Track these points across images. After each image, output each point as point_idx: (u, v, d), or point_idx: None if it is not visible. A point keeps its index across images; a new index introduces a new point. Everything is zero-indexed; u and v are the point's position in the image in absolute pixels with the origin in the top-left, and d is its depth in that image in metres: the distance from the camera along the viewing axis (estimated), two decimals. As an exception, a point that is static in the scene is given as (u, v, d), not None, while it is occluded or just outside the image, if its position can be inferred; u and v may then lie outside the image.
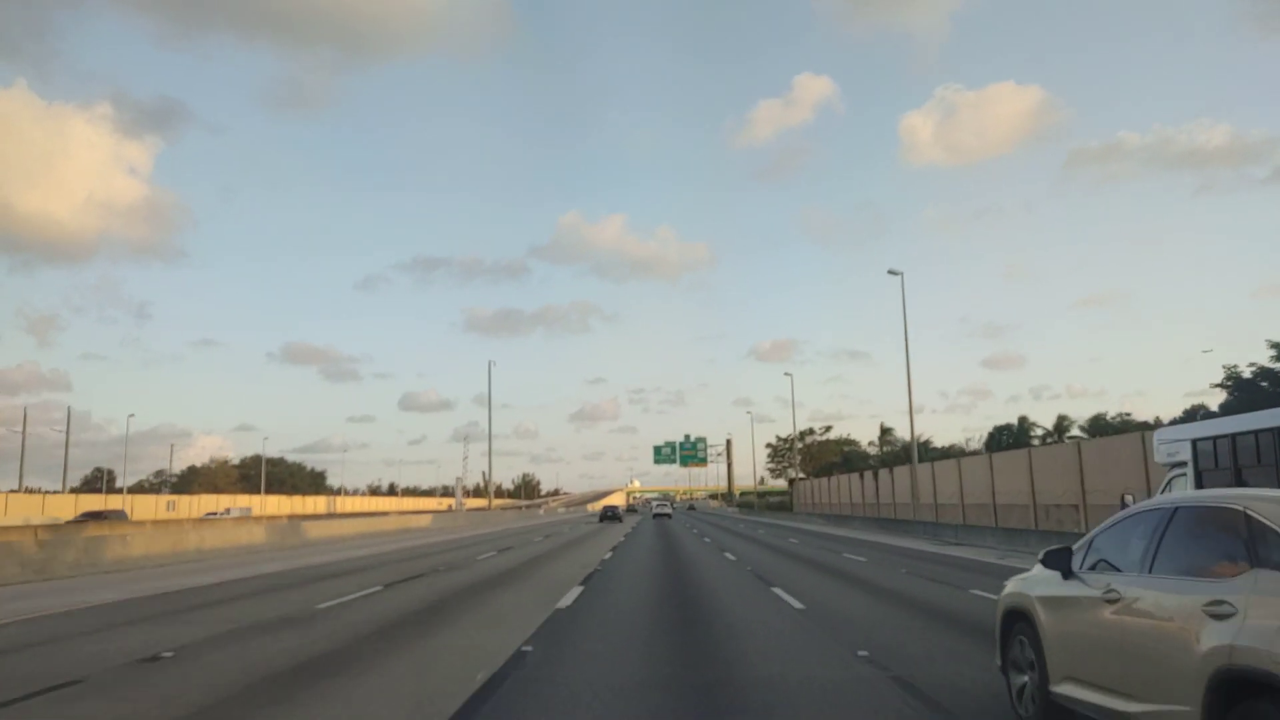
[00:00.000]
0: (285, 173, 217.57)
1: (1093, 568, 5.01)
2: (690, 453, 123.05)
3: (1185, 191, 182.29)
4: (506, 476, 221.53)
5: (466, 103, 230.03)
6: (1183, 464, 11.40)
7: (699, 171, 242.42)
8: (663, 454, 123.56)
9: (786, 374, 66.97)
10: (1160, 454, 12.19)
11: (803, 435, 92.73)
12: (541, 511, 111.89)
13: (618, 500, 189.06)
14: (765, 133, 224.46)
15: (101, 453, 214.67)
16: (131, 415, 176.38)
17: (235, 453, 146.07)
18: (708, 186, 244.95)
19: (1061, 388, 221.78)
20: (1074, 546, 5.36)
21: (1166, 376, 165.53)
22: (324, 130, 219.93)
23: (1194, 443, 11.11)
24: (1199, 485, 10.74)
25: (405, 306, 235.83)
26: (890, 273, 41.22)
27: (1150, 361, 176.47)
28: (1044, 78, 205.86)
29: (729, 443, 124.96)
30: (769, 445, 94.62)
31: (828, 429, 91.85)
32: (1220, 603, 3.63)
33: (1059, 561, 5.26)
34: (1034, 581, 5.66)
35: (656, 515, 77.28)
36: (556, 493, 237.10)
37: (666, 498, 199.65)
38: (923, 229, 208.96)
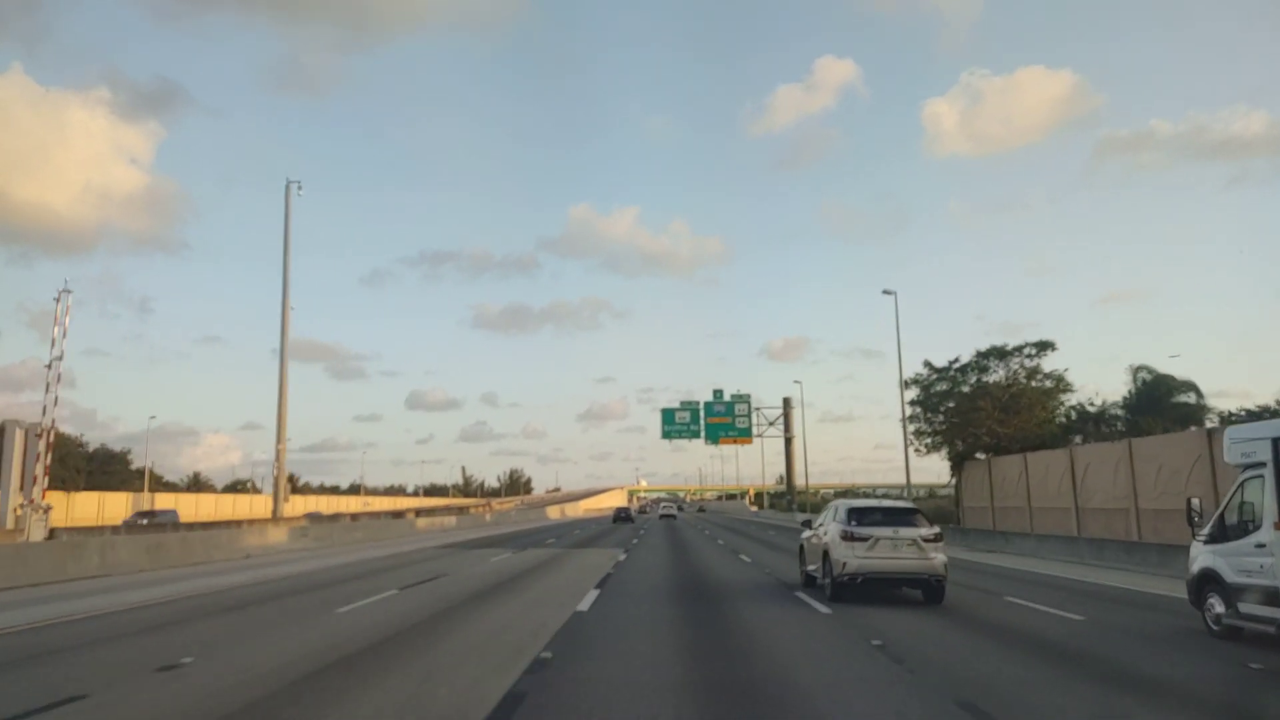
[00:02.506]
0: (287, 160, 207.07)
1: (818, 525, 15.96)
2: (723, 419, 73.50)
3: (1217, 183, 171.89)
4: (493, 474, 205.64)
5: (475, 88, 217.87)
6: (1260, 465, 9.94)
7: (715, 162, 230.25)
8: (677, 424, 74.06)
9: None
10: (1232, 454, 10.60)
11: (985, 358, 42.97)
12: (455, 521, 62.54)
13: (615, 500, 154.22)
14: (784, 120, 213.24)
15: (106, 452, 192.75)
16: (153, 417, 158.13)
17: (243, 454, 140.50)
18: (723, 178, 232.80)
19: (1076, 389, 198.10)
20: (814, 518, 17.49)
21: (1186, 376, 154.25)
22: (327, 116, 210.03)
23: (1275, 441, 9.71)
24: None
25: (413, 302, 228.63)
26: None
27: (1171, 361, 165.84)
28: (1076, 61, 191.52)
29: (788, 402, 75.42)
30: (914, 382, 44.75)
31: (1042, 348, 42.00)
32: (827, 530, 14.79)
33: (806, 525, 17.76)
34: (805, 534, 17.04)
35: (663, 516, 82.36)
36: (558, 490, 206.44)
37: (674, 498, 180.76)
38: (944, 222, 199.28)
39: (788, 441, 74.98)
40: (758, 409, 74.76)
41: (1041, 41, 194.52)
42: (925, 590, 13.81)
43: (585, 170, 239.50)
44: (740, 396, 74.49)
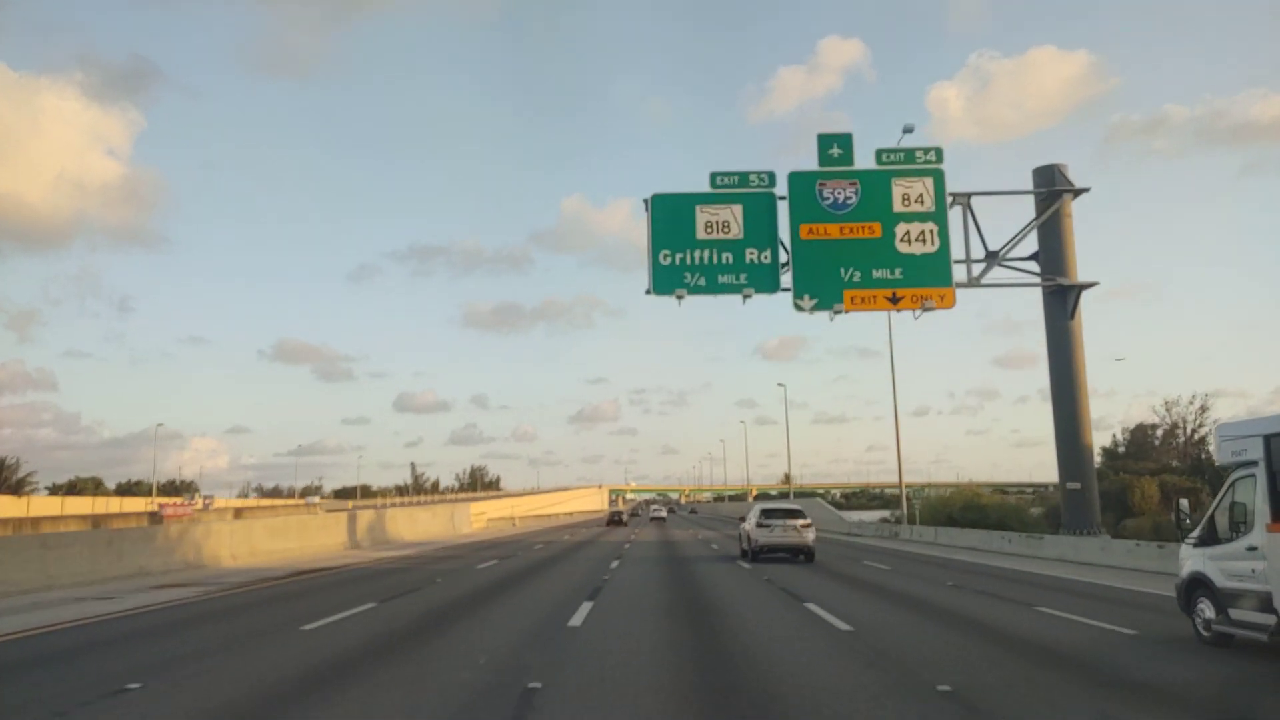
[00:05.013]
0: (269, 146, 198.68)
1: (747, 518, 24.80)
2: (852, 229, 21.19)
3: (1230, 171, 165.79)
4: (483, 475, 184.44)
5: (463, 72, 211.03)
6: (1251, 464, 9.28)
7: (714, 148, 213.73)
8: (704, 244, 21.95)
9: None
10: (1223, 452, 10.04)
11: None
12: None
13: (578, 504, 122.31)
14: (786, 103, 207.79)
15: (93, 456, 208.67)
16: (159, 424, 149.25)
17: (229, 457, 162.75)
18: (722, 165, 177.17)
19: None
20: (746, 515, 25.97)
21: (1183, 376, 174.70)
22: (310, 99, 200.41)
23: (1267, 439, 8.96)
24: (1273, 486, 8.79)
25: (401, 300, 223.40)
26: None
27: (1170, 359, 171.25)
28: (1092, 41, 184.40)
29: (1053, 178, 23.62)
30: None
31: None
32: (749, 521, 23.95)
33: (740, 520, 29.33)
34: (741, 526, 26.55)
35: (653, 519, 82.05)
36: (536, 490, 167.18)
37: (666, 499, 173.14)
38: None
39: (1056, 296, 23.32)
40: (960, 198, 23.23)
41: (1054, 20, 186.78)
42: (805, 554, 22.36)
43: (579, 158, 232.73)
44: (914, 158, 23.01)
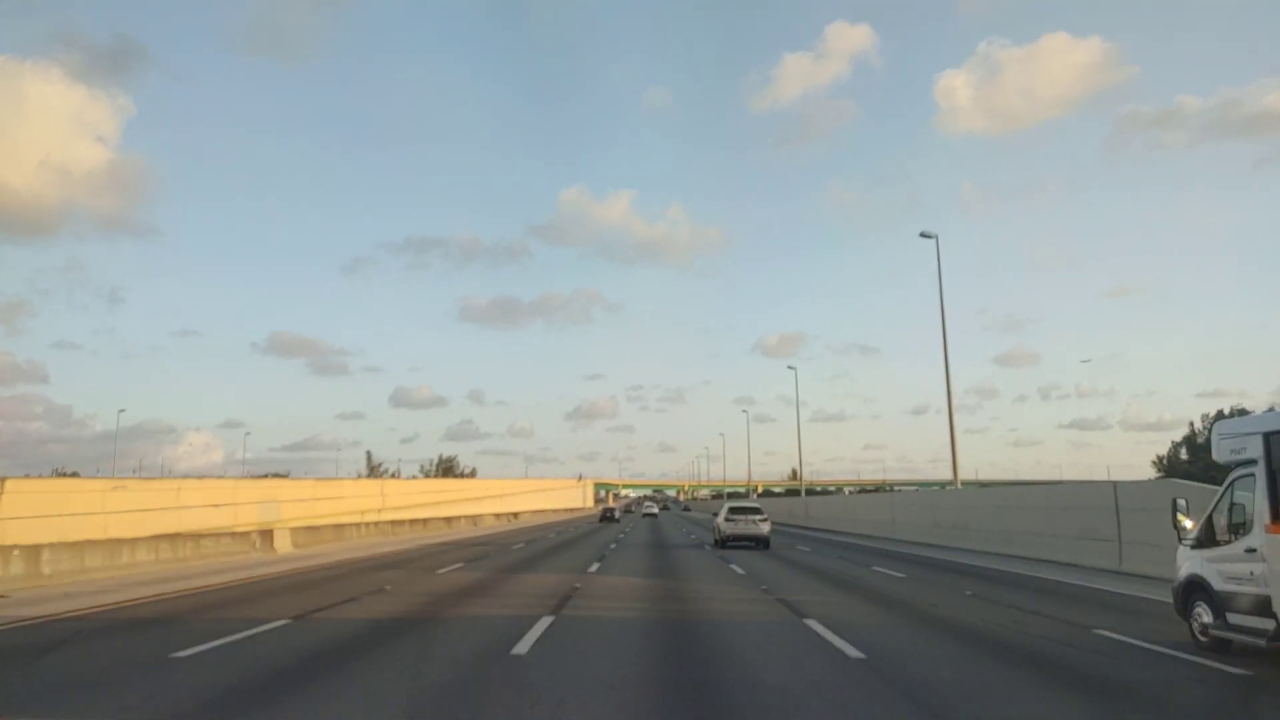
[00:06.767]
0: (261, 134, 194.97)
1: (719, 514, 33.47)
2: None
3: (1243, 165, 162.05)
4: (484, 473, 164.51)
5: (460, 60, 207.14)
6: (1250, 462, 9.25)
7: (715, 139, 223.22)
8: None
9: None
10: (1221, 450, 9.97)
11: None
12: None
13: (560, 500, 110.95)
14: (790, 93, 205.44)
15: (87, 450, 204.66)
16: (122, 410, 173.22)
17: (224, 450, 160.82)
18: (724, 157, 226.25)
19: (1071, 387, 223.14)
20: (719, 510, 34.68)
21: (1182, 375, 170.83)
22: (303, 85, 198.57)
23: (1267, 436, 8.90)
24: (1273, 485, 8.68)
25: (397, 294, 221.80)
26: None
27: (1169, 359, 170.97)
28: (1105, 28, 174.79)
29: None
30: None
31: None
32: (719, 515, 33.14)
33: (714, 516, 39.89)
34: (714, 520, 35.45)
35: (645, 514, 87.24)
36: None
37: (661, 495, 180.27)
38: (954, 207, 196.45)
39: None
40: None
41: (1067, 4, 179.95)
42: (762, 544, 29.97)
43: (578, 148, 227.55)
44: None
